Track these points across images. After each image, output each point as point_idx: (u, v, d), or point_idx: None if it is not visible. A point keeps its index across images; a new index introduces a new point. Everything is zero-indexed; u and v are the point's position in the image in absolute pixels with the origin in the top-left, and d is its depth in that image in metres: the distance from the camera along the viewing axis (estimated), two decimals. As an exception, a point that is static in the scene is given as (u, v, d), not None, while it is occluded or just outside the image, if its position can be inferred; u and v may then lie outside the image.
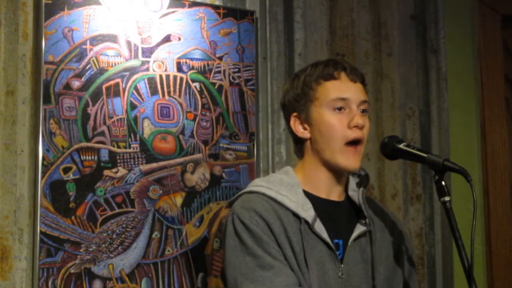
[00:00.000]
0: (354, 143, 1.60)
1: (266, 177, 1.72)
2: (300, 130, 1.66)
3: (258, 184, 1.64)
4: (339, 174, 1.65)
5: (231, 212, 1.61)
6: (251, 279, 1.50)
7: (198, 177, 2.13)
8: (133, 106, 2.06)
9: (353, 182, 1.71)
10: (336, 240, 1.60)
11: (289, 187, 1.62)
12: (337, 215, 1.64)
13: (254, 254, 1.52)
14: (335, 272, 1.57)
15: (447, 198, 1.50)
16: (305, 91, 1.63)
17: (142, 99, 2.08)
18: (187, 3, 2.18)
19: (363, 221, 1.64)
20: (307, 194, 1.63)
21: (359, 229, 1.63)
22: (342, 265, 1.58)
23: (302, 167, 1.67)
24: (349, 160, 1.60)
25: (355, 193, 1.69)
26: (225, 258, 1.58)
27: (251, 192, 1.63)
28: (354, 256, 1.61)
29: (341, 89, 1.61)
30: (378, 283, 1.61)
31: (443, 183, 1.52)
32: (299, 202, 1.59)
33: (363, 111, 1.62)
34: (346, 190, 1.70)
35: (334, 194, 1.66)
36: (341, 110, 1.60)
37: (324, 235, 1.58)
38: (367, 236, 1.64)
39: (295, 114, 1.66)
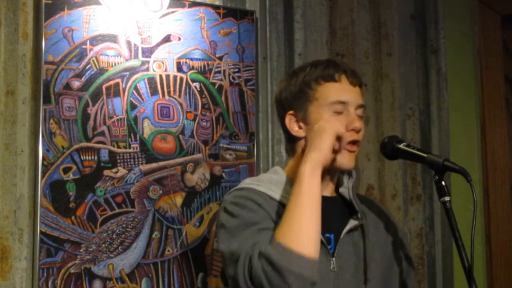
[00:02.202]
0: (351, 143, 1.60)
1: (256, 177, 1.72)
2: (295, 129, 1.65)
3: (248, 182, 1.65)
4: (331, 172, 1.65)
5: (222, 204, 1.61)
6: (235, 235, 1.50)
7: (198, 177, 2.13)
8: (133, 106, 2.06)
9: (343, 179, 1.71)
10: (327, 235, 1.59)
11: (279, 184, 1.62)
12: (328, 210, 1.63)
13: (242, 217, 1.52)
14: (326, 265, 1.56)
15: (447, 198, 1.50)
16: (304, 90, 1.62)
17: (142, 99, 2.08)
18: (187, 3, 2.18)
19: (355, 216, 1.64)
20: None
21: (352, 223, 1.62)
22: (334, 259, 1.58)
23: (294, 165, 1.66)
24: (345, 159, 1.60)
25: (346, 190, 1.69)
26: (218, 243, 1.58)
27: (241, 188, 1.63)
28: (347, 250, 1.60)
29: (341, 92, 1.61)
30: (370, 278, 1.61)
31: (443, 183, 1.51)
32: (289, 197, 1.59)
33: (359, 116, 1.63)
34: (336, 188, 1.70)
35: (325, 190, 1.65)
36: (339, 114, 1.60)
37: None
38: (360, 231, 1.64)
39: (291, 112, 1.65)
